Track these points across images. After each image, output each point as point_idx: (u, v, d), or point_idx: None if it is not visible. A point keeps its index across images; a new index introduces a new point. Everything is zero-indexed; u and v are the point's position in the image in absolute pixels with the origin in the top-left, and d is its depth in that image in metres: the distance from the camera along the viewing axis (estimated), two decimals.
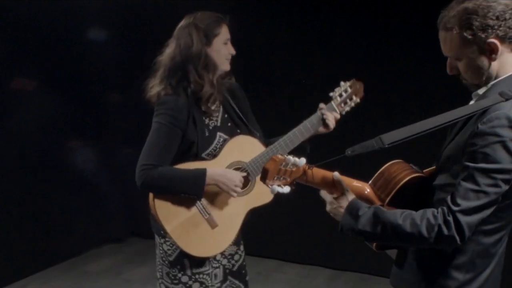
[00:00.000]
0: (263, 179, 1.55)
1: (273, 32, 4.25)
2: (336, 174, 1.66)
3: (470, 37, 1.49)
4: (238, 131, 2.32)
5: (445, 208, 1.45)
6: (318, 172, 1.64)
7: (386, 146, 1.48)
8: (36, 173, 4.20)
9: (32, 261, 4.16)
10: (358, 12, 3.94)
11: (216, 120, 2.28)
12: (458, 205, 1.43)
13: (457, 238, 1.43)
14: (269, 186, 1.57)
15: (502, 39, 1.49)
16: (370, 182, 1.71)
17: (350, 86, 2.38)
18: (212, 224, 2.20)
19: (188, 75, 2.19)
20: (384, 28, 3.87)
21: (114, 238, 4.91)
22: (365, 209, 1.56)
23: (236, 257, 2.39)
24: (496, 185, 1.42)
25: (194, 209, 2.19)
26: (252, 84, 4.04)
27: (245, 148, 2.27)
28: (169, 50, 2.24)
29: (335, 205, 1.65)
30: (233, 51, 2.26)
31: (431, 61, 2.73)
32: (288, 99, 4.29)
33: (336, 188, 1.66)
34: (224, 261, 2.34)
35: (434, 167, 1.69)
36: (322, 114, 2.32)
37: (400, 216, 1.50)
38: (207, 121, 2.25)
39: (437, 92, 3.54)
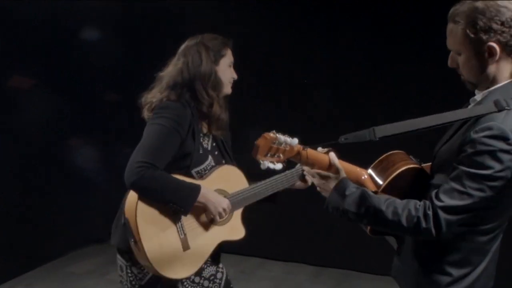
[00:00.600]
0: (254, 154, 1.55)
1: (273, 32, 4.25)
2: (332, 154, 1.70)
3: (472, 35, 1.50)
4: (224, 161, 2.31)
5: (427, 202, 1.49)
6: (313, 154, 1.66)
7: (377, 139, 1.51)
8: (26, 175, 4.17)
9: (17, 263, 4.12)
10: (359, 12, 3.94)
11: (207, 144, 2.27)
12: (441, 201, 1.47)
13: (434, 232, 1.47)
14: (260, 161, 1.57)
15: (503, 46, 1.50)
16: (369, 168, 1.76)
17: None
18: (185, 246, 2.11)
19: (195, 93, 2.16)
20: (384, 28, 3.87)
21: (99, 239, 4.83)
22: (353, 189, 1.60)
23: (219, 275, 2.34)
24: (481, 190, 1.44)
25: (173, 225, 2.10)
26: (253, 84, 4.05)
27: (231, 179, 2.26)
28: (174, 67, 2.20)
29: (323, 181, 1.69)
30: (235, 76, 2.26)
31: (431, 62, 2.73)
32: (288, 99, 4.30)
33: (331, 169, 1.68)
34: (206, 283, 2.27)
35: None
36: (303, 170, 2.31)
37: (384, 202, 1.53)
38: (201, 140, 2.23)
39: (437, 92, 3.54)
